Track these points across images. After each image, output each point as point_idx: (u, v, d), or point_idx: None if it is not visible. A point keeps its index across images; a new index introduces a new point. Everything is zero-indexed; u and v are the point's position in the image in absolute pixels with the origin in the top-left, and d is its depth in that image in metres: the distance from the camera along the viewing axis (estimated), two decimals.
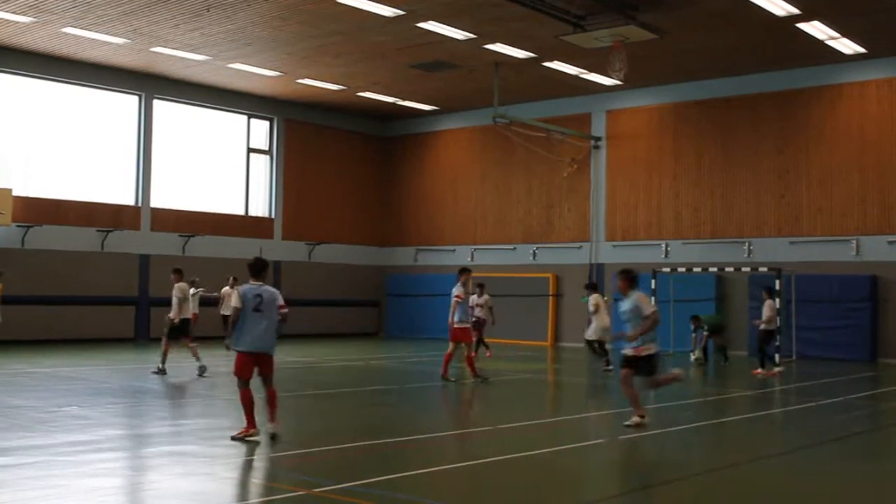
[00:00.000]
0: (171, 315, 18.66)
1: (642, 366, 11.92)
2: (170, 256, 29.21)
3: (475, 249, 33.53)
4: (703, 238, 28.40)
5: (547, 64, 26.58)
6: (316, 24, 23.49)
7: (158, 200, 30.06)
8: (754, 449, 11.33)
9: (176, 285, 18.81)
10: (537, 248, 31.93)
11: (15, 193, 26.22)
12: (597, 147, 30.75)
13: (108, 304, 28.17)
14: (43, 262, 26.87)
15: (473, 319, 21.05)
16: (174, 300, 18.61)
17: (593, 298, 21.19)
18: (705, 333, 24.23)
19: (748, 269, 25.82)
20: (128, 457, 10.09)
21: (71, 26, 24.08)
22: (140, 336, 28.62)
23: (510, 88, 28.31)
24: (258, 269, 10.97)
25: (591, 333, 21.10)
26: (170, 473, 8.98)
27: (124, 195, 29.46)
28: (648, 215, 29.52)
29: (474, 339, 19.46)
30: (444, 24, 23.13)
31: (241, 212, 32.53)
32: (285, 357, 22.65)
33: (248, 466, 9.59)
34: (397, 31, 23.75)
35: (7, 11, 22.90)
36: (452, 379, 18.17)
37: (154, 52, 26.42)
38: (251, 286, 10.84)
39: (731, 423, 13.96)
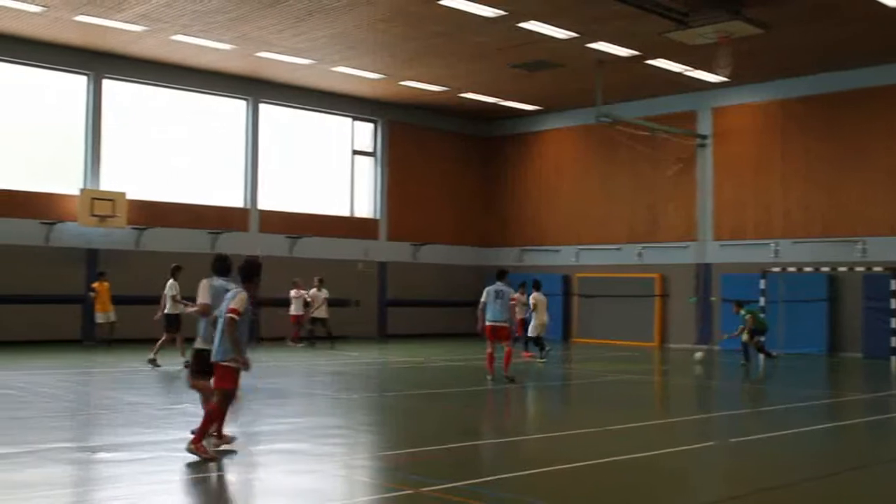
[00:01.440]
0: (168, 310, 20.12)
1: None
2: (278, 257, 29.74)
3: (580, 249, 33.32)
4: (813, 237, 27.67)
5: (650, 62, 26.25)
6: (418, 26, 23.65)
7: (266, 202, 30.64)
8: (871, 454, 11.01)
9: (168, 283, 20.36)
10: (643, 247, 31.57)
11: (129, 197, 27.03)
12: (702, 145, 30.24)
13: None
14: (156, 263, 27.56)
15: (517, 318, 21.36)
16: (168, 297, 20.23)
17: (532, 297, 23.35)
18: (745, 329, 22.87)
19: (862, 268, 25.11)
20: (239, 454, 10.29)
21: (181, 34, 24.70)
22: (251, 336, 29.06)
23: (613, 87, 28.03)
24: (224, 267, 10.68)
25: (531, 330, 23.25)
26: (279, 471, 9.13)
27: (234, 198, 30.11)
28: (757, 214, 28.90)
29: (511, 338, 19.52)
30: (545, 23, 23.03)
31: (347, 213, 32.92)
32: (392, 357, 22.84)
33: (356, 465, 9.69)
34: (499, 32, 23.74)
35: (121, 21, 23.62)
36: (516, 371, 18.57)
37: (260, 57, 26.93)
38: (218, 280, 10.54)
39: (848, 427, 13.57)
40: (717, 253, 29.73)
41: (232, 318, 9.17)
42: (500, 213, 36.06)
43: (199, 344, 10.45)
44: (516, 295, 18.53)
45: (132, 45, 25.94)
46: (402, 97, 32.17)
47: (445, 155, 35.44)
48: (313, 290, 26.91)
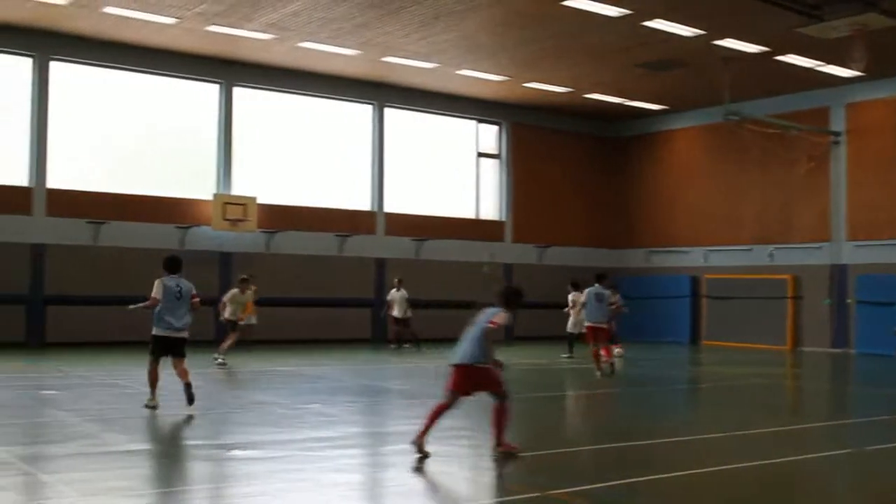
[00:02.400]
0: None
1: None
2: (404, 260, 30.11)
3: (708, 251, 32.72)
4: None
5: (780, 57, 25.61)
6: (541, 27, 23.59)
7: (392, 205, 31.00)
8: None
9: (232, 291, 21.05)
10: (774, 248, 30.80)
11: (259, 201, 27.73)
12: (836, 142, 29.32)
13: (346, 305, 29.28)
14: (285, 266, 28.25)
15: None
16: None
17: (572, 296, 24.11)
18: None
19: None
20: (368, 454, 10.46)
21: (308, 41, 25.21)
22: (376, 337, 29.53)
23: (740, 84, 27.43)
24: (175, 265, 13.41)
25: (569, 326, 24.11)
26: (407, 471, 9.23)
27: (360, 201, 30.56)
28: (894, 213, 27.87)
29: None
30: (670, 21, 22.72)
31: (472, 215, 33.06)
32: (517, 359, 22.84)
33: (482, 466, 9.73)
34: (623, 31, 23.51)
35: (251, 30, 24.25)
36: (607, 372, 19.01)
37: (385, 62, 27.27)
38: (171, 278, 13.11)
39: None
40: (851, 253, 28.79)
41: (491, 329, 9.89)
42: (626, 215, 35.69)
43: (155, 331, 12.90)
44: (616, 298, 19.30)
45: (261, 52, 26.59)
46: (526, 99, 32.14)
47: (570, 156, 35.26)
48: (392, 291, 26.91)
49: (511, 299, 10.31)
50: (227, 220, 26.93)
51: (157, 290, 12.94)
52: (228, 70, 27.84)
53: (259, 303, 24.27)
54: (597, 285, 19.41)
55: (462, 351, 10.03)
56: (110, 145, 26.72)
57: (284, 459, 9.48)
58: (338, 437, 10.95)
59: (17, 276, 24.74)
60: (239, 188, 28.09)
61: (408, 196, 31.49)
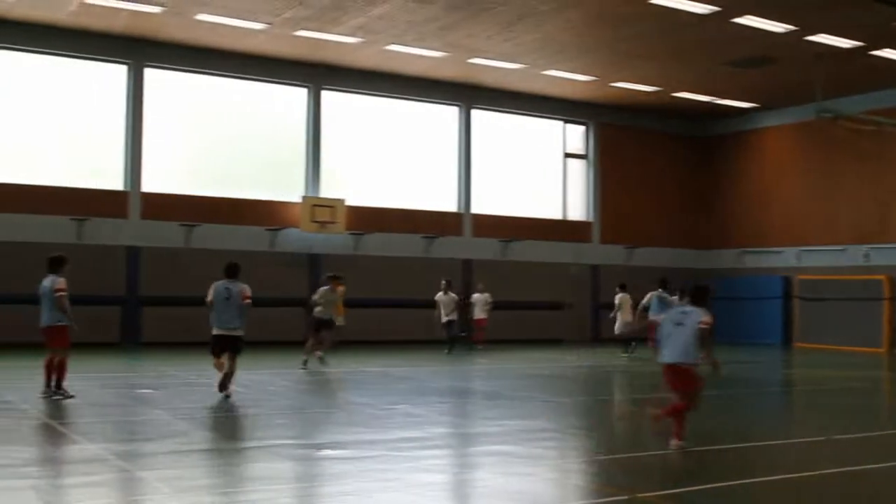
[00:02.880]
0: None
1: None
2: (490, 261, 30.11)
3: (801, 251, 32.07)
4: None
5: (875, 52, 24.99)
6: (628, 26, 23.39)
7: (479, 206, 31.03)
8: None
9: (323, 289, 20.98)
10: (870, 248, 30.03)
11: (347, 203, 28.02)
12: None
13: (432, 307, 29.18)
14: (373, 268, 28.46)
15: None
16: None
17: (618, 298, 24.93)
18: None
19: None
20: (455, 454, 10.49)
21: (395, 44, 25.39)
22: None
23: (834, 80, 26.78)
24: (229, 271, 14.43)
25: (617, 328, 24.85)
26: (495, 472, 9.22)
27: (447, 202, 30.66)
28: None
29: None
30: (761, 17, 22.33)
31: (559, 216, 32.91)
32: (604, 361, 22.66)
33: (568, 468, 9.69)
34: (711, 28, 23.18)
35: (338, 34, 24.51)
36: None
37: (471, 63, 27.31)
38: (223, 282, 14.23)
39: None
40: None
41: (705, 330, 10.18)
42: (716, 215, 35.16)
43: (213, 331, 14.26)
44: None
45: (349, 56, 26.86)
46: (613, 98, 31.88)
47: (659, 156, 34.88)
48: (439, 294, 26.58)
49: (705, 296, 10.73)
50: (316, 222, 27.27)
51: (210, 293, 14.25)
52: (316, 74, 28.17)
53: (347, 304, 24.47)
54: (660, 290, 21.39)
55: (674, 350, 10.27)
56: (202, 149, 27.26)
57: (374, 459, 9.55)
58: (426, 438, 11.00)
59: (113, 278, 25.38)
60: (327, 190, 28.40)
61: (494, 197, 31.47)
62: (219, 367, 14.34)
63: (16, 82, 25.10)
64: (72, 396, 13.50)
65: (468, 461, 10.14)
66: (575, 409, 14.40)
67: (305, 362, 19.88)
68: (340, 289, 22.22)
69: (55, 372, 13.55)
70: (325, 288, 21.02)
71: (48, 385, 13.62)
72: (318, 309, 20.61)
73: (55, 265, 13.82)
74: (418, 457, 9.77)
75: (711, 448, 10.75)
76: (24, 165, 24.95)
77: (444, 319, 25.63)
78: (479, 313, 27.18)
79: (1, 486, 8.02)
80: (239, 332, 14.19)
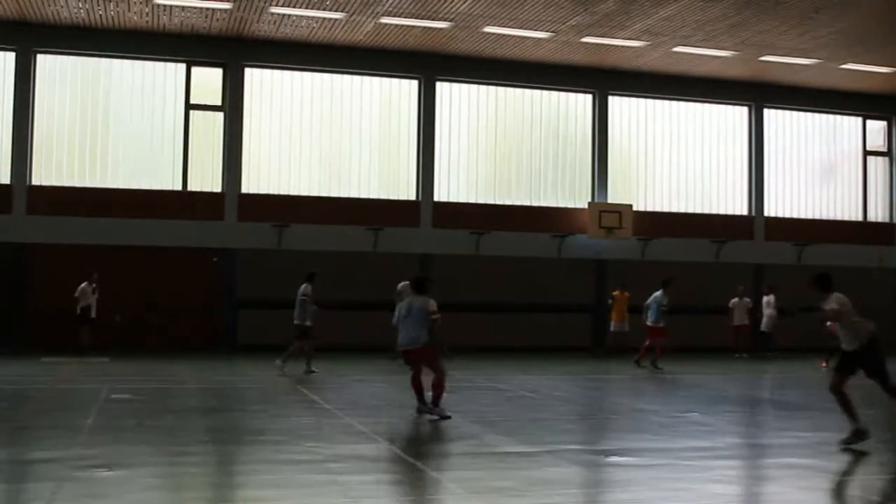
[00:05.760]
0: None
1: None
2: (783, 266, 28.89)
3: None
4: None
5: None
6: None
7: (771, 209, 29.90)
8: None
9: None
10: None
11: (634, 208, 27.81)
12: None
13: (718, 312, 28.35)
14: (661, 274, 27.91)
15: None
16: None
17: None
18: None
19: None
20: (747, 466, 10.17)
21: (681, 45, 24.97)
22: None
23: None
24: (415, 286, 13.23)
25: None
26: (790, 486, 8.85)
27: (737, 205, 29.76)
28: None
29: None
30: None
31: (859, 217, 31.10)
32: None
33: (873, 485, 9.16)
34: None
35: (623, 38, 24.42)
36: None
37: (763, 61, 26.39)
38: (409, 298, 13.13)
39: None
40: None
41: None
42: None
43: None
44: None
45: (634, 60, 26.68)
46: None
47: None
48: (734, 300, 25.64)
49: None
50: (603, 227, 27.25)
51: (395, 313, 13.30)
52: (601, 79, 28.15)
53: (631, 310, 24.33)
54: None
55: None
56: (489, 158, 27.93)
57: (662, 468, 9.43)
58: (717, 448, 10.72)
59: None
60: (614, 196, 28.31)
61: (788, 199, 30.22)
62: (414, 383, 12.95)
63: (328, 100, 26.70)
64: (448, 417, 12.40)
65: (762, 473, 9.81)
66: (881, 421, 13.58)
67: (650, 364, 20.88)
68: (618, 295, 22.24)
69: (433, 389, 12.66)
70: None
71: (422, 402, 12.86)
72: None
73: (422, 286, 13.33)
74: (708, 466, 9.55)
75: None
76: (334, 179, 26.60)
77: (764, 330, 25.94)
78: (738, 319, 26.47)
79: (303, 481, 8.57)
80: (414, 346, 12.71)
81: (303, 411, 13.64)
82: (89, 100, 25.28)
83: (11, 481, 8.55)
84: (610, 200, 28.18)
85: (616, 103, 28.74)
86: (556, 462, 9.67)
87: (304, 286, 19.18)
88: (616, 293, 25.39)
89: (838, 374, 10.83)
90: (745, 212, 29.76)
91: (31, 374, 18.54)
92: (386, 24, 23.80)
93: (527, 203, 27.75)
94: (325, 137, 26.62)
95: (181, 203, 25.41)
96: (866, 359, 10.59)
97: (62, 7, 22.99)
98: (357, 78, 26.81)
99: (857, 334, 10.59)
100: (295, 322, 19.08)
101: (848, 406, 10.62)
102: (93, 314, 23.08)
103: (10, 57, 24.67)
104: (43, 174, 24.85)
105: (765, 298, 26.25)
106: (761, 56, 25.89)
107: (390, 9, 22.60)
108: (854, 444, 10.36)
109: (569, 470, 9.37)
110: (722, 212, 29.50)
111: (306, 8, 22.68)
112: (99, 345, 23.02)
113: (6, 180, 24.48)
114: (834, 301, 10.63)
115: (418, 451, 10.43)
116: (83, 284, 22.97)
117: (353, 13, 22.98)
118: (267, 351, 21.18)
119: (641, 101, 29.00)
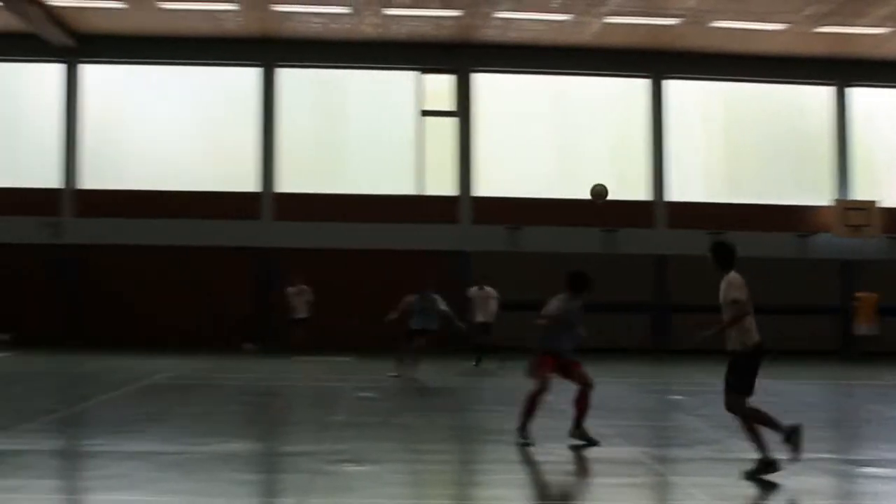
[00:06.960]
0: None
1: None
2: (875, 260, 26.51)
3: None
4: None
5: None
6: None
7: None
8: None
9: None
10: None
11: (881, 205, 26.27)
12: None
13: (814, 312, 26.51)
14: None
15: None
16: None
17: None
18: None
19: None
20: (855, 483, 9.42)
21: None
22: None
23: None
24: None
25: None
26: None
27: None
28: None
29: None
30: None
31: None
32: None
33: None
34: None
35: (863, 26, 23.40)
36: None
37: None
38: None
39: None
40: None
41: None
42: None
43: None
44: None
45: (877, 48, 25.36)
46: None
47: None
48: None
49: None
50: (849, 225, 25.90)
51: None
52: (841, 69, 26.77)
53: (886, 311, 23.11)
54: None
55: None
56: (725, 156, 27.21)
57: None
58: None
59: (641, 286, 26.12)
60: (860, 192, 26.90)
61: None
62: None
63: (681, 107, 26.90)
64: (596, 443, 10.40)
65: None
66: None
67: None
68: (863, 297, 21.20)
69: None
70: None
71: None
72: None
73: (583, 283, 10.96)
74: None
75: None
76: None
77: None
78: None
79: (541, 482, 8.61)
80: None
81: (539, 411, 13.71)
82: (327, 110, 26.45)
83: (271, 472, 9.09)
84: (855, 197, 26.77)
85: (856, 94, 27.31)
86: (804, 471, 9.27)
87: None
88: (861, 294, 24.17)
89: None
90: None
91: (282, 372, 19.54)
92: (612, 24, 23.65)
93: (765, 202, 26.73)
94: (555, 139, 26.69)
95: (416, 207, 26.09)
96: None
97: (299, 22, 24.20)
98: (585, 79, 26.82)
99: None
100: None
101: None
102: (299, 315, 23.15)
103: (257, 72, 26.14)
104: (287, 182, 26.14)
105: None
106: None
107: (616, 8, 22.46)
108: None
109: (818, 480, 8.98)
110: None
111: (531, 11, 22.88)
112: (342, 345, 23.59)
113: (257, 188, 25.91)
114: None
115: (659, 454, 10.29)
116: (288, 289, 23.42)
117: (579, 14, 22.96)
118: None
119: (885, 90, 27.47)
